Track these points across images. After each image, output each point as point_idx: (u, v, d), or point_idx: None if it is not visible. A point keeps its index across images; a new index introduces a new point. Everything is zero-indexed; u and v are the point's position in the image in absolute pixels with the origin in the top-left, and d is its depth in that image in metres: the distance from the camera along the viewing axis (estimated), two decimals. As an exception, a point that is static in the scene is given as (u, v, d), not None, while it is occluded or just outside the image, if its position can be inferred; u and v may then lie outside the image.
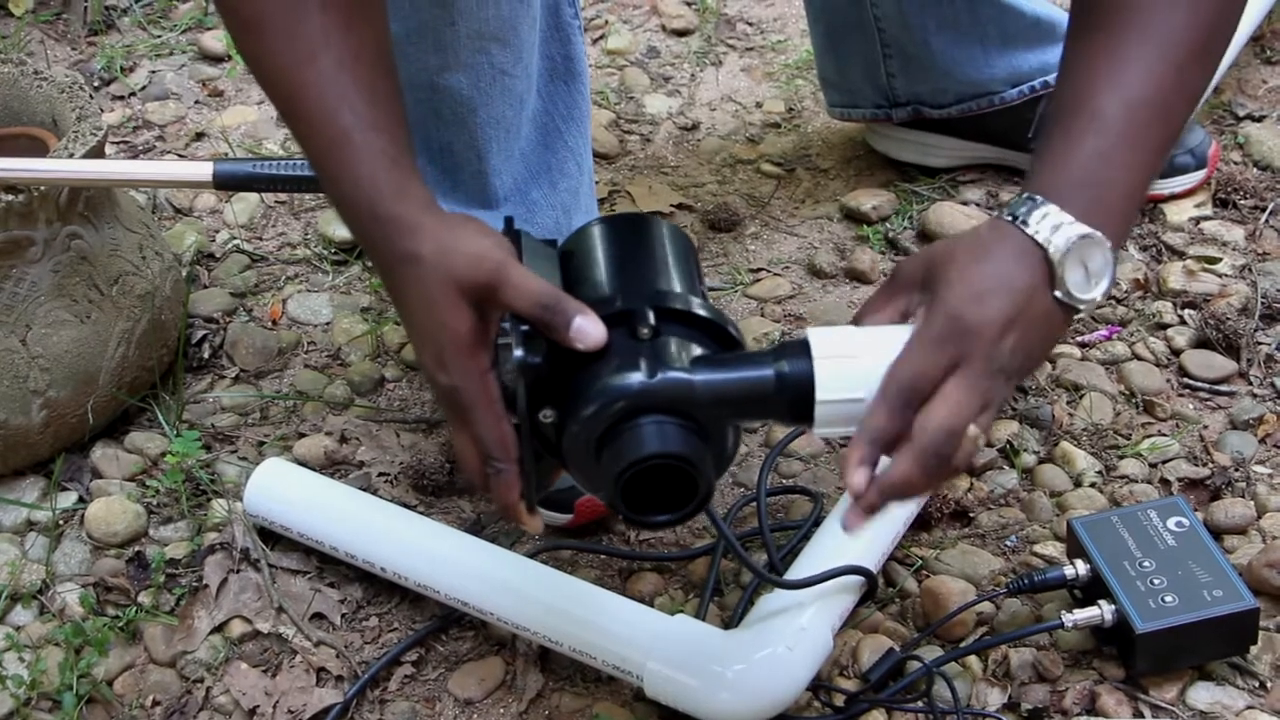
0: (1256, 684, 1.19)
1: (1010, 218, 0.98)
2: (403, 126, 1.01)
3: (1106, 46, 1.01)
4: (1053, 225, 0.97)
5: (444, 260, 0.97)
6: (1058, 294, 0.97)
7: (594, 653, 1.19)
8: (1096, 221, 0.97)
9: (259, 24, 1.00)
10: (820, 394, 0.97)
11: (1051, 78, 1.63)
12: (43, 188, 1.37)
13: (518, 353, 0.95)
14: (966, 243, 1.00)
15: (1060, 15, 1.65)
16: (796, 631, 1.17)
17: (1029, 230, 0.97)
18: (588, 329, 0.95)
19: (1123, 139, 0.99)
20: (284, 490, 1.34)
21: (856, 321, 1.03)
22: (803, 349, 0.98)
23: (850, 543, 1.23)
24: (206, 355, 1.56)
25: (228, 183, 1.42)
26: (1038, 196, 0.98)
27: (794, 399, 0.97)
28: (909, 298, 1.01)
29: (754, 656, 1.15)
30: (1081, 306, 0.98)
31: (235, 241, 1.71)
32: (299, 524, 1.32)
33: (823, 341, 0.98)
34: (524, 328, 0.96)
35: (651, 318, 0.97)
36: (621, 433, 0.94)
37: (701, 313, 0.99)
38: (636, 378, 0.95)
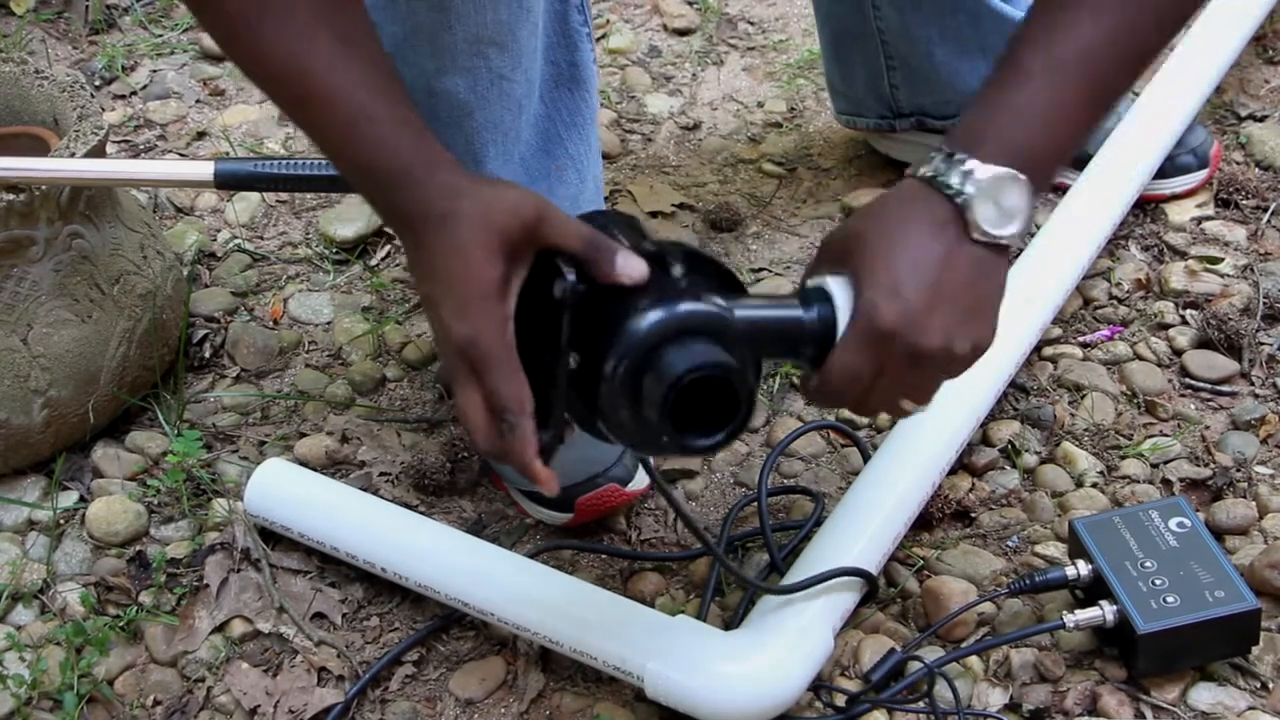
0: (1258, 685, 1.19)
1: (924, 175, 1.01)
2: (410, 99, 1.03)
3: (1042, 10, 1.03)
4: (964, 173, 1.00)
5: (485, 212, 0.98)
6: (975, 236, 1.00)
7: (594, 653, 1.19)
8: (1012, 165, 1.00)
9: (251, 19, 1.00)
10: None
11: None
12: (44, 187, 1.37)
13: (570, 276, 0.98)
14: (877, 218, 1.03)
15: None
16: (797, 632, 1.17)
17: (941, 185, 1.00)
18: (632, 261, 0.98)
19: (1044, 93, 1.01)
20: (284, 490, 1.34)
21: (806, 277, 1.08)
22: (825, 296, 1.03)
23: (852, 543, 1.23)
24: (208, 355, 1.56)
25: (229, 182, 1.42)
26: (951, 150, 1.01)
27: (820, 341, 1.03)
28: (832, 270, 1.05)
29: (755, 657, 1.15)
30: (1003, 242, 1.01)
31: (236, 241, 1.71)
32: (299, 524, 1.32)
33: (842, 291, 1.03)
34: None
35: (683, 258, 1.02)
36: (665, 354, 0.97)
37: (723, 263, 1.05)
38: (681, 304, 0.98)
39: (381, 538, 1.28)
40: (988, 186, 0.99)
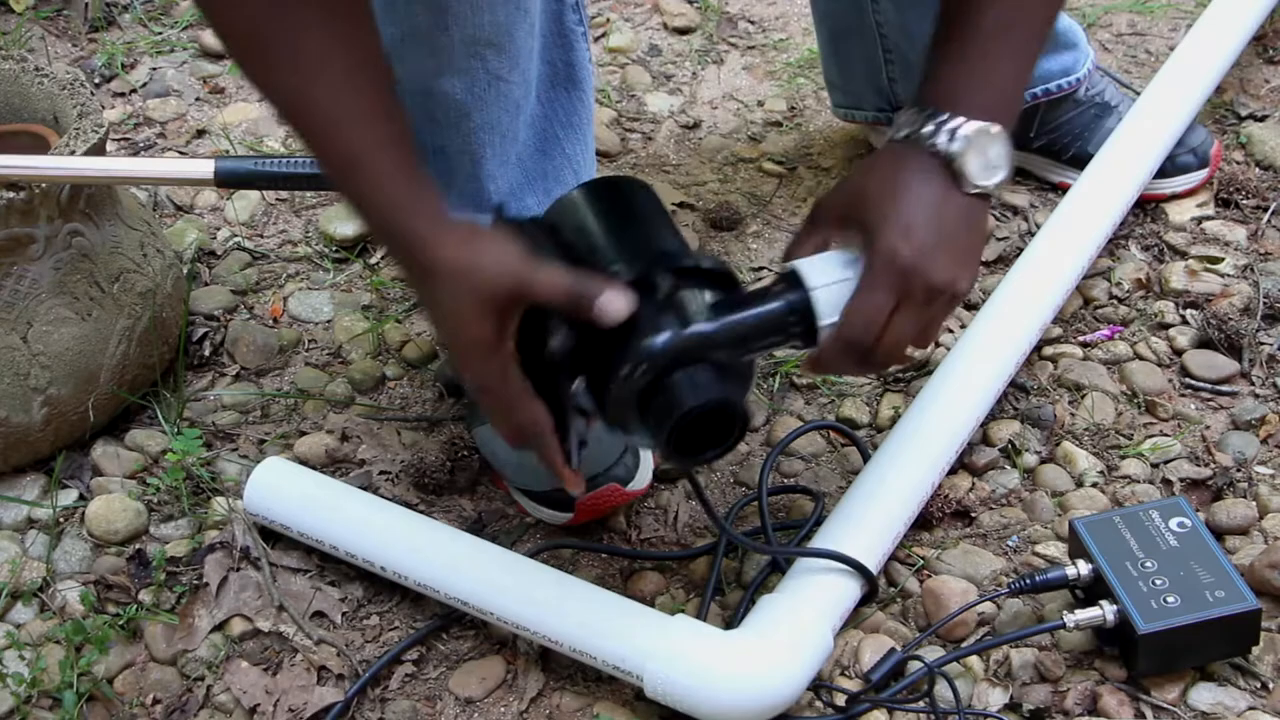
0: (1258, 685, 1.19)
1: (908, 136, 1.10)
2: (408, 138, 1.06)
3: None
4: (949, 131, 1.08)
5: (466, 277, 1.03)
6: (966, 189, 1.09)
7: (594, 653, 1.19)
8: (991, 118, 1.09)
9: (259, 44, 1.02)
10: (821, 320, 1.10)
11: (1053, 85, 1.64)
12: (44, 185, 1.37)
13: (557, 340, 1.05)
14: (876, 178, 1.11)
15: (1061, 21, 1.64)
16: (797, 632, 1.17)
17: (927, 143, 1.09)
18: (612, 307, 1.03)
19: (1003, 48, 1.11)
20: (284, 489, 1.34)
21: (787, 258, 1.15)
22: (796, 281, 1.11)
23: (852, 541, 1.23)
24: (207, 353, 1.56)
25: (229, 180, 1.42)
26: (931, 109, 1.09)
27: (801, 325, 1.10)
28: (827, 234, 1.14)
29: (754, 657, 1.15)
30: (990, 192, 1.10)
31: (236, 239, 1.70)
32: (299, 523, 1.32)
33: (811, 271, 1.11)
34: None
35: (666, 278, 1.07)
36: (661, 390, 1.04)
37: (705, 264, 1.09)
38: (663, 337, 1.05)
39: (381, 537, 1.28)
40: (973, 141, 1.08)
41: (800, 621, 1.18)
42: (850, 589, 1.22)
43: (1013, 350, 1.40)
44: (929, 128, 1.09)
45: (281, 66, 1.02)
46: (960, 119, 1.09)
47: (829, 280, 1.10)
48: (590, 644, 1.19)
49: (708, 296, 1.08)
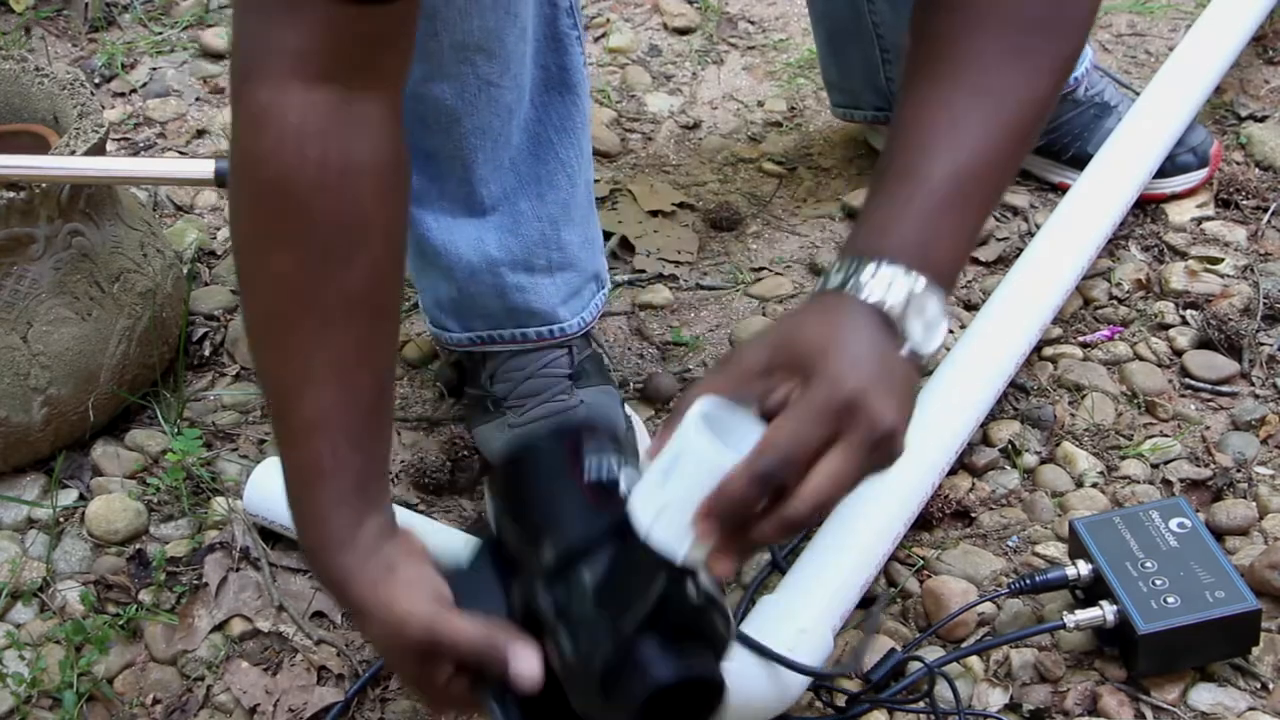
0: (1258, 685, 1.19)
1: (841, 286, 0.96)
2: (379, 458, 1.05)
3: (940, 102, 1.00)
4: (886, 284, 0.95)
5: (381, 622, 1.00)
6: (904, 351, 0.96)
7: None
8: (930, 275, 0.96)
9: (270, 318, 1.00)
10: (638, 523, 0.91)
11: None
12: (44, 185, 1.37)
13: (497, 714, 0.97)
14: (814, 319, 0.97)
15: None
16: (797, 633, 1.17)
17: (863, 296, 0.95)
18: (523, 674, 0.96)
19: (951, 203, 0.98)
20: (283, 489, 1.33)
21: (700, 393, 0.94)
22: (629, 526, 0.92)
23: (852, 541, 1.23)
24: (207, 353, 1.56)
25: (229, 180, 1.42)
26: (866, 258, 0.97)
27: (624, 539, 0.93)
28: (751, 384, 0.95)
29: (754, 658, 1.15)
30: (925, 356, 0.97)
31: (236, 239, 1.70)
32: None
33: (642, 507, 0.91)
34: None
35: (554, 590, 0.95)
36: (618, 677, 0.92)
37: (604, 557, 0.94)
38: (601, 652, 0.92)
39: None
40: (913, 299, 0.96)
41: (800, 623, 1.18)
42: (849, 590, 1.22)
43: (1012, 351, 1.40)
44: (866, 278, 0.96)
45: (277, 345, 1.00)
46: (900, 270, 0.96)
47: (660, 506, 0.90)
48: None
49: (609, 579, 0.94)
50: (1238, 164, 1.72)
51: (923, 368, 0.98)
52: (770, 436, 0.90)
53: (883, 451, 0.92)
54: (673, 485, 0.89)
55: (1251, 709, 1.17)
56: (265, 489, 1.34)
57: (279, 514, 1.33)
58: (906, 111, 1.01)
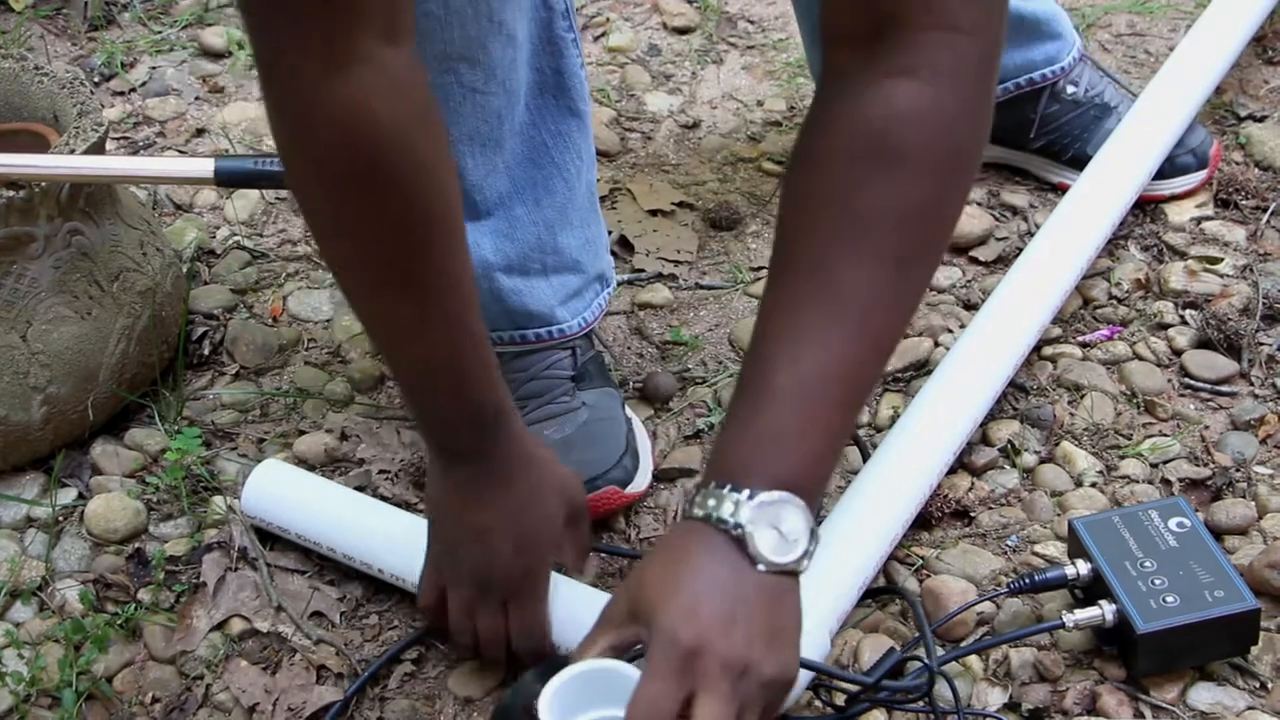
0: (1257, 684, 1.19)
1: (694, 514, 0.99)
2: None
3: (784, 313, 1.00)
4: (734, 503, 0.97)
5: (561, 473, 1.18)
6: (760, 567, 0.97)
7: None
8: (784, 488, 0.97)
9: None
10: None
11: (1037, 74, 1.63)
12: (44, 184, 1.37)
13: None
14: (660, 558, 1.00)
15: (1045, 10, 1.64)
16: None
17: (714, 518, 0.97)
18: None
19: (800, 413, 0.98)
20: (281, 491, 1.34)
21: (577, 657, 1.01)
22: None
23: (850, 542, 1.23)
24: (207, 352, 1.56)
25: (229, 179, 1.42)
26: (715, 483, 0.98)
27: None
28: (619, 633, 1.00)
29: None
30: (788, 569, 0.98)
31: (236, 238, 1.70)
32: (296, 525, 1.32)
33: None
34: None
35: None
36: None
37: None
38: None
39: (378, 540, 1.28)
40: (764, 514, 0.97)
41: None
42: (848, 590, 1.22)
43: (1012, 350, 1.40)
44: (712, 501, 0.97)
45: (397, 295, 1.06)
46: (745, 491, 0.97)
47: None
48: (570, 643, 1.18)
49: None
50: (1237, 164, 1.72)
51: (797, 571, 0.99)
52: (631, 706, 0.93)
53: (750, 684, 0.94)
54: None
55: (1250, 708, 1.17)
56: (263, 490, 1.34)
57: (276, 516, 1.33)
58: (758, 319, 1.02)
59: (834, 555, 1.22)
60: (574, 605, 1.20)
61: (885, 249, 0.99)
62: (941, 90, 0.97)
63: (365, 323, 1.10)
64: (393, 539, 1.28)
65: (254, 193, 1.75)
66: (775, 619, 0.98)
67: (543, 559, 1.17)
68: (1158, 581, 1.18)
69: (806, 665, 1.11)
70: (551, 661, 1.18)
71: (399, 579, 1.27)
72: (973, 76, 0.99)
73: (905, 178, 0.98)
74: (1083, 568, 1.21)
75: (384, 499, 1.38)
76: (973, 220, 1.64)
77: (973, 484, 1.37)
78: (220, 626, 1.29)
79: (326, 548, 1.31)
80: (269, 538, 1.35)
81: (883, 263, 0.99)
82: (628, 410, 1.42)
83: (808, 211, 1.00)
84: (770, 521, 0.97)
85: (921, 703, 1.15)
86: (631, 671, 0.95)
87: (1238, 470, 1.36)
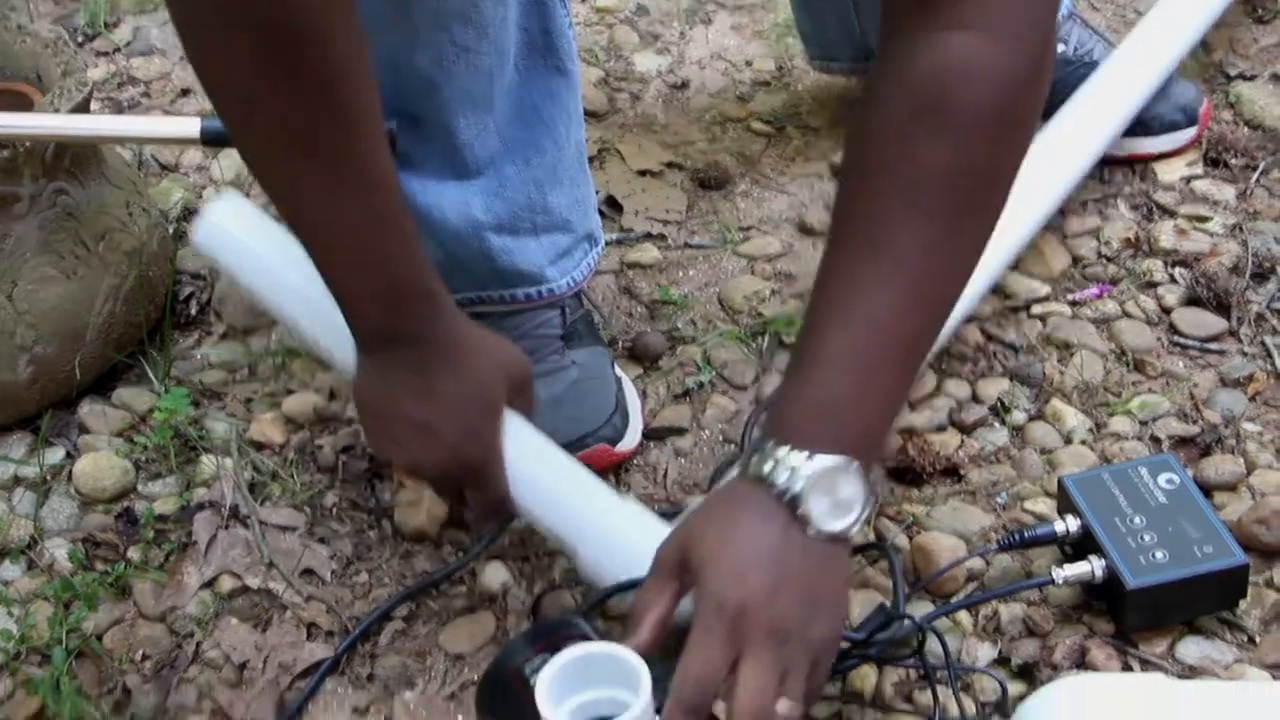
0: (1245, 638, 1.19)
1: (750, 473, 0.99)
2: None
3: (840, 275, 1.00)
4: (789, 468, 0.97)
5: (498, 347, 1.16)
6: (811, 532, 0.97)
7: (536, 519, 1.18)
8: (840, 451, 0.97)
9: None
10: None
11: None
12: (28, 143, 1.36)
13: None
14: (714, 516, 1.00)
15: None
16: None
17: (768, 480, 0.97)
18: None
19: (855, 376, 0.98)
20: (238, 231, 1.30)
21: (634, 618, 1.00)
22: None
23: None
24: (194, 312, 1.55)
25: (215, 139, 1.41)
26: (771, 444, 0.98)
27: None
28: (675, 583, 1.00)
29: None
30: (839, 535, 0.98)
31: (222, 198, 1.69)
32: (245, 273, 1.29)
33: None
34: None
35: None
36: None
37: None
38: None
39: (327, 315, 1.19)
40: (817, 479, 0.97)
41: None
42: None
43: (971, 295, 1.34)
44: (769, 464, 0.98)
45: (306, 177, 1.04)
46: (803, 454, 0.97)
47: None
48: (532, 506, 1.18)
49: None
50: (1227, 123, 1.71)
51: (848, 538, 1.00)
52: (683, 666, 0.94)
53: (794, 648, 0.95)
54: None
55: (1238, 661, 1.17)
56: (218, 225, 1.30)
57: (232, 254, 1.30)
58: (815, 284, 1.01)
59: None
60: (529, 462, 1.18)
61: (937, 208, 0.97)
62: (998, 46, 0.95)
63: (272, 191, 1.06)
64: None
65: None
66: (822, 585, 0.98)
67: (492, 443, 1.14)
68: (1147, 538, 1.18)
69: None
70: (544, 624, 1.18)
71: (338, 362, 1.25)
72: (1031, 32, 0.97)
73: (957, 135, 0.96)
74: (1072, 524, 1.21)
75: (372, 458, 1.37)
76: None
77: (963, 441, 1.37)
78: (210, 584, 1.29)
79: (274, 306, 1.28)
80: (258, 495, 1.35)
81: (935, 222, 0.97)
82: (617, 369, 1.42)
83: (861, 171, 0.99)
84: (825, 487, 0.97)
85: (913, 658, 1.15)
86: (628, 654, 0.95)
87: (1227, 427, 1.36)
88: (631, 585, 1.09)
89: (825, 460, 0.97)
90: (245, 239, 1.30)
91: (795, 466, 0.97)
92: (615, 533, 1.17)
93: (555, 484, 1.20)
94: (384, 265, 1.07)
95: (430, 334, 1.11)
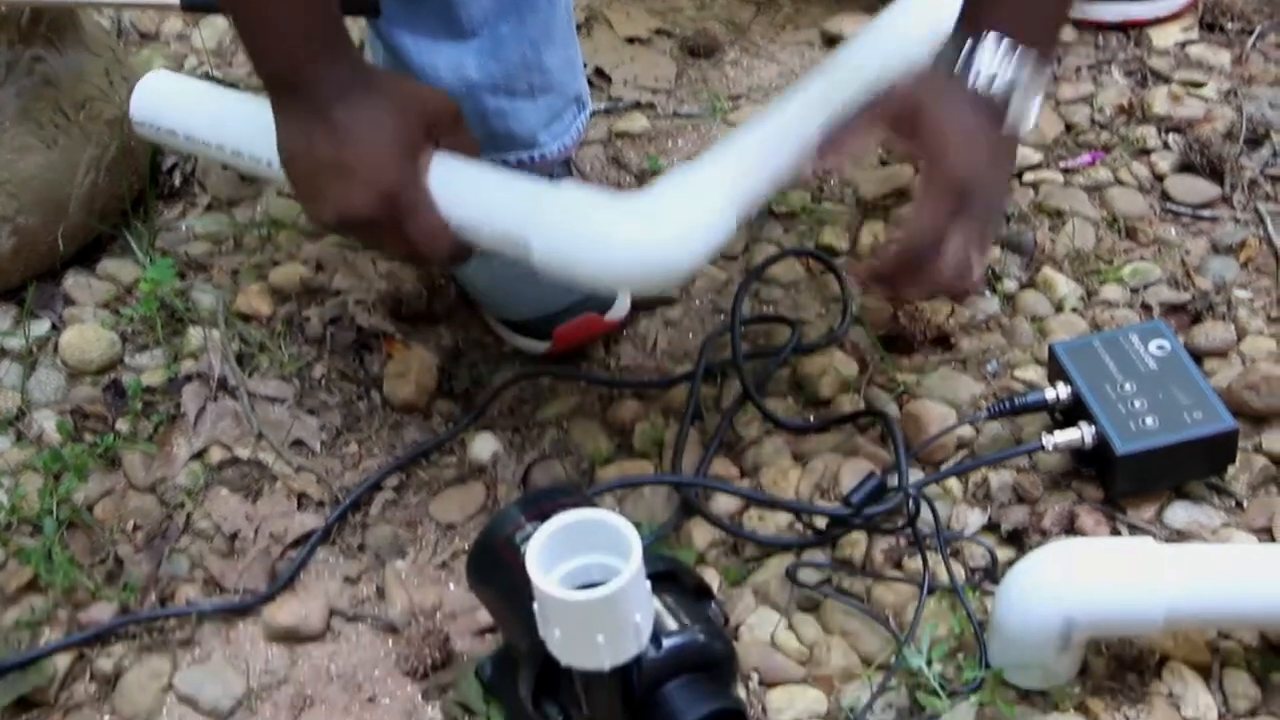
0: (1233, 503, 1.20)
1: (953, 66, 1.10)
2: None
3: None
4: (994, 65, 1.09)
5: (407, 85, 1.14)
6: (1004, 130, 1.11)
7: (483, 226, 1.15)
8: (1031, 44, 1.09)
9: None
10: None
11: None
12: (2, 8, 1.34)
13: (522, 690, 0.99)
14: (932, 94, 1.11)
15: None
16: (696, 202, 1.12)
17: (971, 74, 1.09)
18: None
19: None
20: (168, 98, 1.32)
21: (835, 135, 1.13)
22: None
23: (766, 122, 1.18)
24: (178, 183, 1.53)
25: (195, 4, 1.39)
26: (974, 37, 1.09)
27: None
28: (886, 132, 1.13)
29: (646, 221, 1.11)
30: (1019, 135, 1.14)
31: (204, 67, 1.67)
32: (185, 127, 1.29)
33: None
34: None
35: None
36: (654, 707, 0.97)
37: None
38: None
39: (264, 130, 1.17)
40: (1018, 85, 1.09)
41: (701, 195, 1.12)
42: (764, 179, 1.16)
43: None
44: (975, 59, 1.10)
45: None
46: (1005, 46, 1.09)
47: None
48: (476, 219, 1.14)
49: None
50: (1223, -13, 1.69)
51: (1019, 137, 1.14)
52: (915, 220, 1.11)
53: (990, 214, 1.14)
54: None
55: (1226, 525, 1.18)
56: (153, 97, 1.32)
57: (168, 120, 1.31)
58: None
59: (743, 135, 1.18)
60: (459, 182, 1.15)
61: None
62: None
63: None
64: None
65: (221, 20, 1.71)
66: (1009, 168, 1.21)
67: (409, 172, 1.12)
68: (1137, 404, 1.18)
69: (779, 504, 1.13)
70: (534, 493, 1.18)
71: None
72: None
73: None
74: (1062, 391, 1.21)
75: (360, 329, 1.37)
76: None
77: (953, 309, 1.36)
78: (200, 455, 1.29)
79: (215, 146, 1.27)
80: (246, 366, 1.35)
81: None
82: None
83: None
84: (1022, 90, 1.10)
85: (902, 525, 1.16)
86: (619, 521, 0.95)
87: (1218, 294, 1.36)
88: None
89: (1023, 55, 1.09)
90: (178, 100, 1.31)
91: (1001, 65, 1.09)
92: (566, 210, 1.13)
93: (492, 192, 1.15)
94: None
95: (335, 75, 1.09)
